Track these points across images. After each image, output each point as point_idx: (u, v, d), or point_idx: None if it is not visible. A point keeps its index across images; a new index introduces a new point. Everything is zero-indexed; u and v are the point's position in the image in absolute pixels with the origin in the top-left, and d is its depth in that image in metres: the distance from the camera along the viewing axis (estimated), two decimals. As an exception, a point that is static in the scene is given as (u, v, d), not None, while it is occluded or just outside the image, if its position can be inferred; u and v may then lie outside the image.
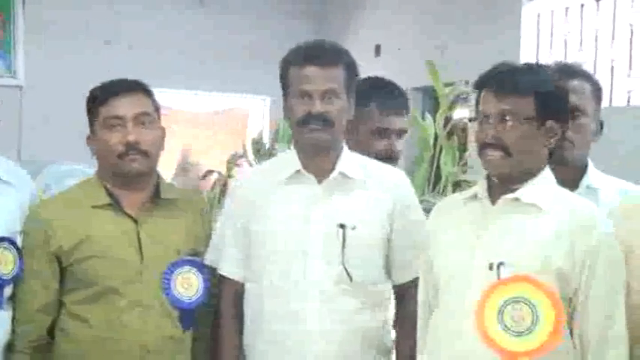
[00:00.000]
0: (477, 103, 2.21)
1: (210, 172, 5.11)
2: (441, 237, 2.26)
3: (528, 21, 6.46)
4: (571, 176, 2.42)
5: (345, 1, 8.13)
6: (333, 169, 2.40)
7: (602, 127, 2.55)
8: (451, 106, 5.57)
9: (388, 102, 2.75)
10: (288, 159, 2.47)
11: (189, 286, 2.37)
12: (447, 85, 4.75)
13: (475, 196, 2.21)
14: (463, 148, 5.51)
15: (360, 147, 2.66)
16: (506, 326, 1.99)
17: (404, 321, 2.47)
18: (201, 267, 2.41)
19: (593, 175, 2.52)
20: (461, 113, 5.86)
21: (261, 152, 5.16)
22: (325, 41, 2.50)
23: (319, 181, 2.40)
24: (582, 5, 6.14)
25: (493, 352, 1.98)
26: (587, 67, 2.82)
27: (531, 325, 1.97)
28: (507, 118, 2.09)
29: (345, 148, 2.46)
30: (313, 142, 2.37)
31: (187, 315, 2.39)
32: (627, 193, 2.45)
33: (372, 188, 2.44)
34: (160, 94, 2.62)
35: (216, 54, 7.39)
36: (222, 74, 7.35)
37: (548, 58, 5.91)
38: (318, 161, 2.41)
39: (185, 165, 6.16)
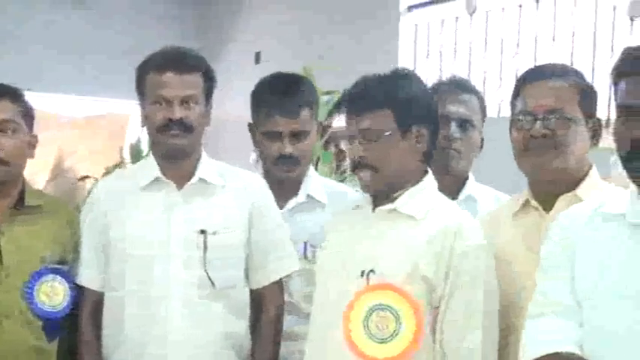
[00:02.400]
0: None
1: (85, 177, 5.00)
2: (326, 242, 2.30)
3: (406, 31, 6.62)
4: (452, 186, 2.50)
5: (225, 8, 8.10)
6: (192, 175, 2.41)
7: (482, 141, 2.64)
8: (329, 115, 5.63)
9: (274, 103, 2.64)
10: (148, 165, 2.47)
11: (54, 295, 2.34)
12: (327, 93, 4.79)
13: (359, 206, 2.26)
14: (342, 157, 5.58)
15: (262, 154, 2.70)
16: (370, 332, 2.01)
17: (262, 327, 2.46)
18: (67, 276, 2.38)
19: (473, 186, 2.61)
20: (341, 122, 5.93)
21: (139, 158, 5.10)
22: (183, 48, 2.51)
23: (179, 188, 2.41)
24: (457, 18, 6.34)
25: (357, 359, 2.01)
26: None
27: (394, 333, 2.00)
28: (368, 137, 2.12)
29: (204, 154, 2.48)
30: (173, 147, 2.38)
31: (52, 325, 2.36)
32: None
33: (231, 193, 2.45)
34: (35, 98, 2.56)
35: (94, 57, 7.25)
36: (101, 78, 7.22)
37: (425, 68, 6.10)
38: (177, 167, 2.41)
39: (60, 170, 6.01)
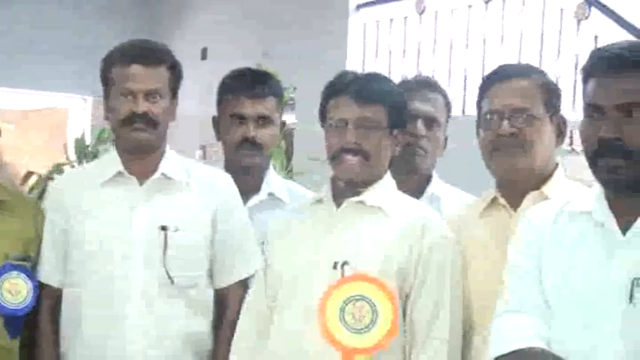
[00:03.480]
0: (323, 110, 2.26)
1: (30, 173, 4.91)
2: (285, 238, 2.30)
3: (355, 30, 6.67)
4: (417, 184, 2.55)
5: (171, 3, 8.05)
6: (155, 170, 2.39)
7: (446, 140, 2.69)
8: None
9: (241, 87, 2.69)
10: (109, 160, 2.46)
11: (16, 292, 2.30)
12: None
13: (320, 200, 2.27)
14: (290, 154, 5.59)
15: (224, 142, 2.71)
16: (347, 323, 2.04)
17: (225, 326, 2.43)
18: (30, 273, 2.34)
19: (437, 185, 2.65)
20: (288, 119, 5.94)
21: (85, 153, 5.04)
22: (150, 41, 2.51)
23: (141, 183, 2.39)
24: (406, 17, 6.44)
25: (335, 352, 2.03)
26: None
27: (370, 323, 2.03)
28: (367, 124, 2.16)
29: (168, 149, 2.47)
30: (136, 142, 2.36)
31: (14, 322, 2.32)
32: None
33: (195, 190, 2.44)
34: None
35: (32, 50, 7.15)
36: (39, 71, 7.13)
37: (373, 66, 6.14)
38: (140, 162, 2.40)
39: (-1, 165, 5.89)
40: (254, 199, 2.68)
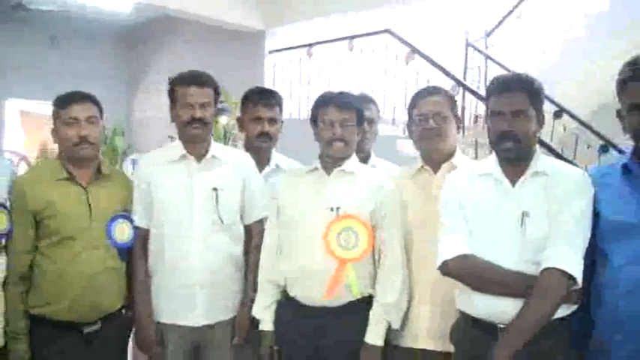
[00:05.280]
0: (314, 116, 2.23)
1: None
2: (292, 192, 2.27)
3: (268, 67, 6.67)
4: (363, 159, 2.58)
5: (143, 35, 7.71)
6: (206, 153, 2.40)
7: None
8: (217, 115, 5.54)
9: (258, 98, 2.68)
10: (175, 147, 2.42)
11: (123, 232, 2.30)
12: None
13: (315, 169, 2.27)
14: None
15: (248, 134, 2.69)
16: (340, 244, 2.12)
17: (251, 248, 2.44)
18: (131, 219, 2.34)
19: (373, 158, 2.74)
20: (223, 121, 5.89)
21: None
22: (199, 70, 2.44)
23: (198, 161, 2.39)
24: (300, 59, 6.48)
25: (334, 260, 2.10)
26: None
27: (354, 244, 2.12)
28: (346, 124, 2.18)
29: (211, 138, 2.45)
30: (195, 135, 2.36)
31: (123, 252, 2.32)
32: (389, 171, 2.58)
33: (230, 165, 2.43)
34: None
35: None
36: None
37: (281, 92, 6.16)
38: (197, 148, 2.39)
39: None
40: (266, 169, 2.67)
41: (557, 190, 1.81)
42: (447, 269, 1.89)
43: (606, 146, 4.60)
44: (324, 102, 2.23)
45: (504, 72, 6.07)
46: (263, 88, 2.81)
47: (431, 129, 2.18)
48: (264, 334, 2.26)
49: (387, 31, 5.62)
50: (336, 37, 6.08)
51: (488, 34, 6.73)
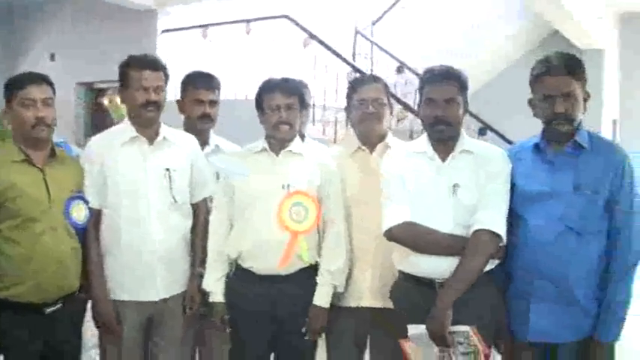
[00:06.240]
0: (260, 101, 2.32)
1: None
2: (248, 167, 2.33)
3: (161, 47, 6.52)
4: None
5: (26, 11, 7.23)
6: (157, 135, 2.46)
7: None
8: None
9: (199, 81, 2.74)
10: (126, 128, 2.45)
11: (80, 212, 2.32)
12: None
13: (264, 150, 2.38)
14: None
15: (189, 116, 2.75)
16: (292, 218, 2.27)
17: (198, 225, 2.52)
18: (86, 200, 2.37)
19: (308, 139, 2.87)
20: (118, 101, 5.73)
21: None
22: (151, 54, 2.50)
23: (150, 143, 2.44)
24: (194, 40, 6.35)
25: (286, 233, 2.24)
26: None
27: (304, 217, 2.28)
28: (291, 108, 2.30)
29: (162, 122, 2.48)
30: (150, 118, 2.42)
31: (80, 233, 2.34)
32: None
33: (180, 146, 2.50)
34: None
35: None
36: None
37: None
38: (149, 130, 2.44)
39: None
40: (206, 149, 2.72)
41: (485, 166, 2.08)
42: (392, 235, 2.08)
43: (484, 129, 5.22)
44: (270, 88, 2.34)
45: (389, 59, 6.66)
46: (203, 72, 2.85)
47: (370, 113, 2.35)
48: (216, 305, 2.38)
49: (285, 16, 5.78)
50: (233, 19, 6.12)
51: (374, 23, 7.17)
